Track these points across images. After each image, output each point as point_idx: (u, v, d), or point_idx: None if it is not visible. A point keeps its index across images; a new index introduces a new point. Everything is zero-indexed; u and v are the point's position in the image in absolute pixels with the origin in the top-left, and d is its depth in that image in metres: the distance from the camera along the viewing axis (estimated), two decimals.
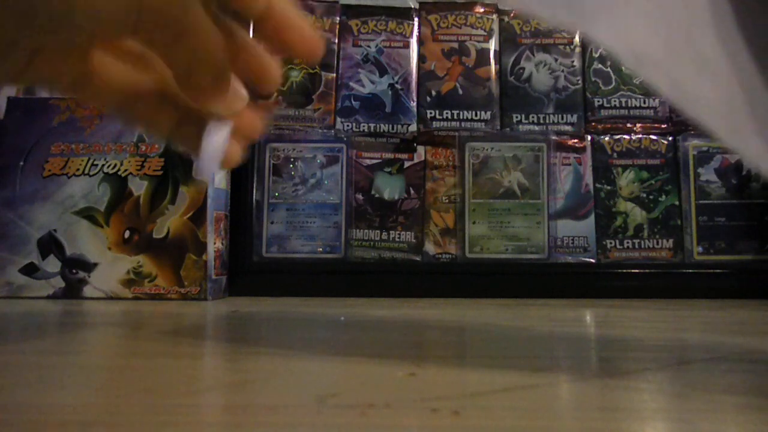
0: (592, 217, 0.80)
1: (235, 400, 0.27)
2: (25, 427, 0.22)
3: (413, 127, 0.83)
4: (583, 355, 0.39)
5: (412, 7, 0.87)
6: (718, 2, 0.29)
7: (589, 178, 0.81)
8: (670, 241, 0.79)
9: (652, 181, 0.81)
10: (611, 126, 0.83)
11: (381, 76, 0.84)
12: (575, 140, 0.82)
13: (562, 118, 0.83)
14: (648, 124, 0.83)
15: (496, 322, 0.55)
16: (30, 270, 0.71)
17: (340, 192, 0.81)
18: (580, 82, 0.84)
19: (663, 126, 0.82)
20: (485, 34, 0.86)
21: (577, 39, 0.85)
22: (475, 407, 0.24)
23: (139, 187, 0.72)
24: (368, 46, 0.85)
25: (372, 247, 0.80)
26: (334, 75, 0.84)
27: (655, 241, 0.80)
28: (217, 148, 0.31)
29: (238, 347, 0.42)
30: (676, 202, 0.80)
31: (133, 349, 0.38)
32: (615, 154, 0.82)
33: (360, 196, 0.81)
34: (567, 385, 0.30)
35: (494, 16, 0.86)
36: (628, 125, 0.83)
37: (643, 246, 0.80)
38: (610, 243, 0.80)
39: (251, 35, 0.31)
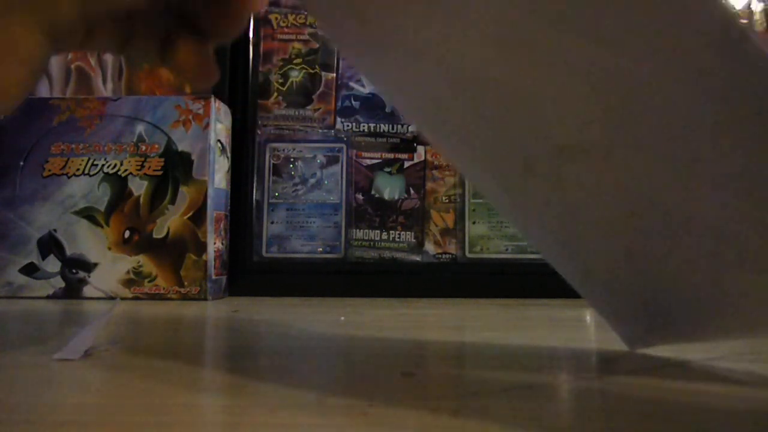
0: None
1: (235, 400, 0.27)
2: (25, 427, 0.22)
3: (413, 127, 0.83)
4: (583, 355, 0.39)
5: None
6: None
7: None
8: None
9: None
10: None
11: None
12: None
13: None
14: None
15: (496, 322, 0.55)
16: (30, 270, 0.71)
17: (340, 192, 0.81)
18: None
19: None
20: None
21: None
22: (475, 407, 0.24)
23: (139, 187, 0.72)
24: None
25: (372, 247, 0.80)
26: (334, 75, 0.84)
27: None
28: (92, 336, 0.35)
29: (238, 347, 0.42)
30: None
31: (133, 349, 0.38)
32: None
33: (360, 196, 0.81)
34: (567, 385, 0.30)
35: None
36: None
37: None
38: None
39: None
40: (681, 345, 0.39)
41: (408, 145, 0.82)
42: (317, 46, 0.85)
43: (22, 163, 0.73)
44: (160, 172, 0.72)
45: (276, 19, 0.85)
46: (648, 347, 0.36)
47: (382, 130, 0.83)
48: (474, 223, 0.80)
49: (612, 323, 0.37)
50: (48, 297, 0.71)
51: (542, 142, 0.28)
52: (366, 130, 0.83)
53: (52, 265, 0.71)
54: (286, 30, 0.85)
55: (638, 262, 0.31)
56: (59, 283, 0.71)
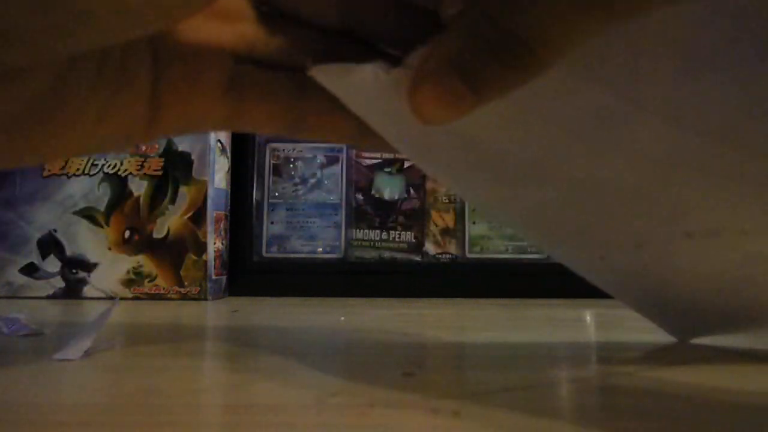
0: None
1: (235, 400, 0.27)
2: (25, 427, 0.22)
3: None
4: (584, 355, 0.39)
5: None
6: None
7: None
8: None
9: None
10: None
11: None
12: None
13: None
14: None
15: (496, 322, 0.55)
16: (30, 270, 0.71)
17: (340, 192, 0.81)
18: None
19: None
20: None
21: None
22: (475, 407, 0.24)
23: (139, 187, 0.72)
24: None
25: (372, 247, 0.80)
26: None
27: None
28: (92, 336, 0.34)
29: (238, 347, 0.42)
30: None
31: (133, 349, 0.38)
32: None
33: (360, 196, 0.81)
34: (567, 385, 0.30)
35: None
36: None
37: None
38: None
39: None
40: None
41: None
42: None
43: None
44: (160, 172, 0.72)
45: None
46: (697, 338, 0.38)
47: None
48: (474, 223, 0.80)
49: (654, 320, 0.39)
50: (48, 297, 0.71)
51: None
52: None
53: (52, 265, 0.71)
54: None
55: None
56: (59, 283, 0.71)
